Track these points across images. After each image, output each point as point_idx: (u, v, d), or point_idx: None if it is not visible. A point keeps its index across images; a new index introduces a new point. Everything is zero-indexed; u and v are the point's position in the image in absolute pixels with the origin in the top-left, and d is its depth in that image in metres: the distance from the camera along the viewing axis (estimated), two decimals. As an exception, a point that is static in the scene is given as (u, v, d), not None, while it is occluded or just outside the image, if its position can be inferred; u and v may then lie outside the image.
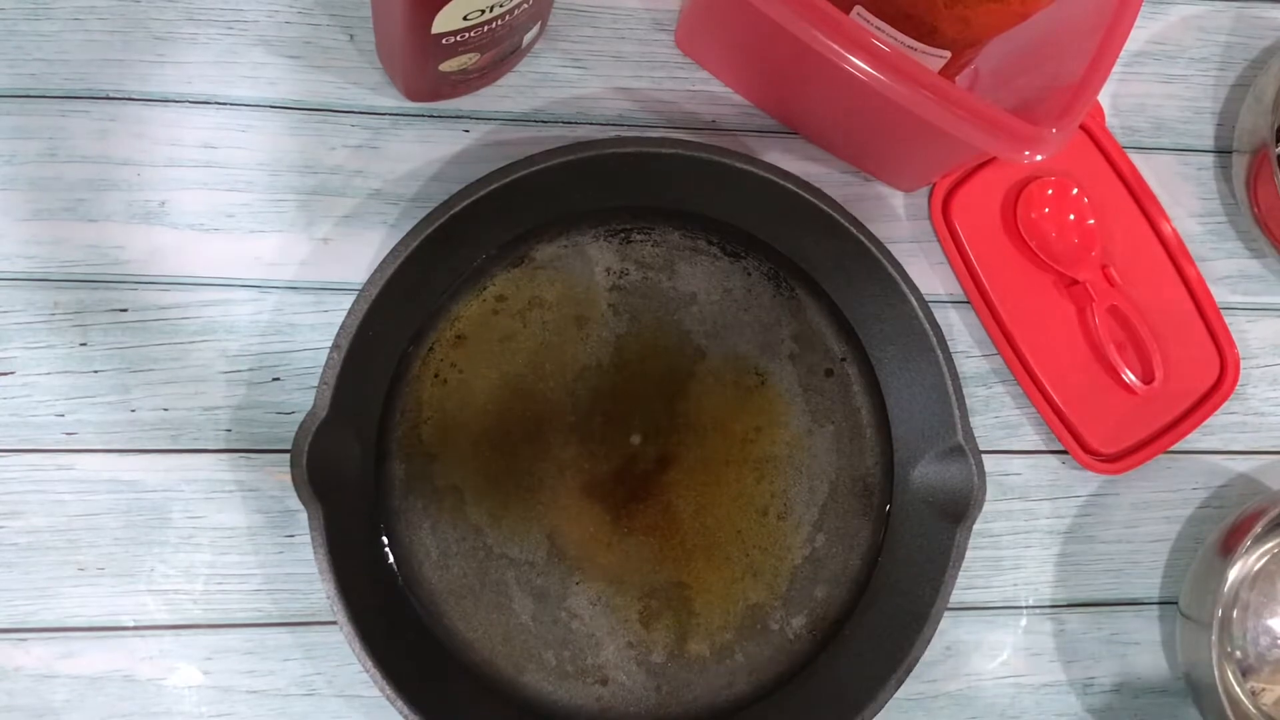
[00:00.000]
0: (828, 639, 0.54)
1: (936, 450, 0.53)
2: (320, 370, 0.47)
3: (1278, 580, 0.58)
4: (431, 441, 0.52)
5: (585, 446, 0.53)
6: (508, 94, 0.54)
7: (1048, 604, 0.58)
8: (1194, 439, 0.59)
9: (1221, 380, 0.59)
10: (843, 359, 0.56)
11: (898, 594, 0.53)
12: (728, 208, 0.54)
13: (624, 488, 0.53)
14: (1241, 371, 0.59)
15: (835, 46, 0.42)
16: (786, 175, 0.51)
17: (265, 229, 0.52)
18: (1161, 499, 0.59)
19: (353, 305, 0.48)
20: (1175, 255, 0.59)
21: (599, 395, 0.53)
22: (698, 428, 0.54)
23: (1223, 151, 0.62)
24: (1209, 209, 0.61)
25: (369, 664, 0.46)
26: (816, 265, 0.55)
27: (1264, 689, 0.58)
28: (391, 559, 0.51)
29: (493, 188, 0.49)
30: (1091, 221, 0.58)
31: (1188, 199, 0.61)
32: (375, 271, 0.48)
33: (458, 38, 0.45)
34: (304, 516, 0.46)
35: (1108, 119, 0.60)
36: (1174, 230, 0.59)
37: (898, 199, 0.58)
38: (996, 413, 0.58)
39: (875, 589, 0.54)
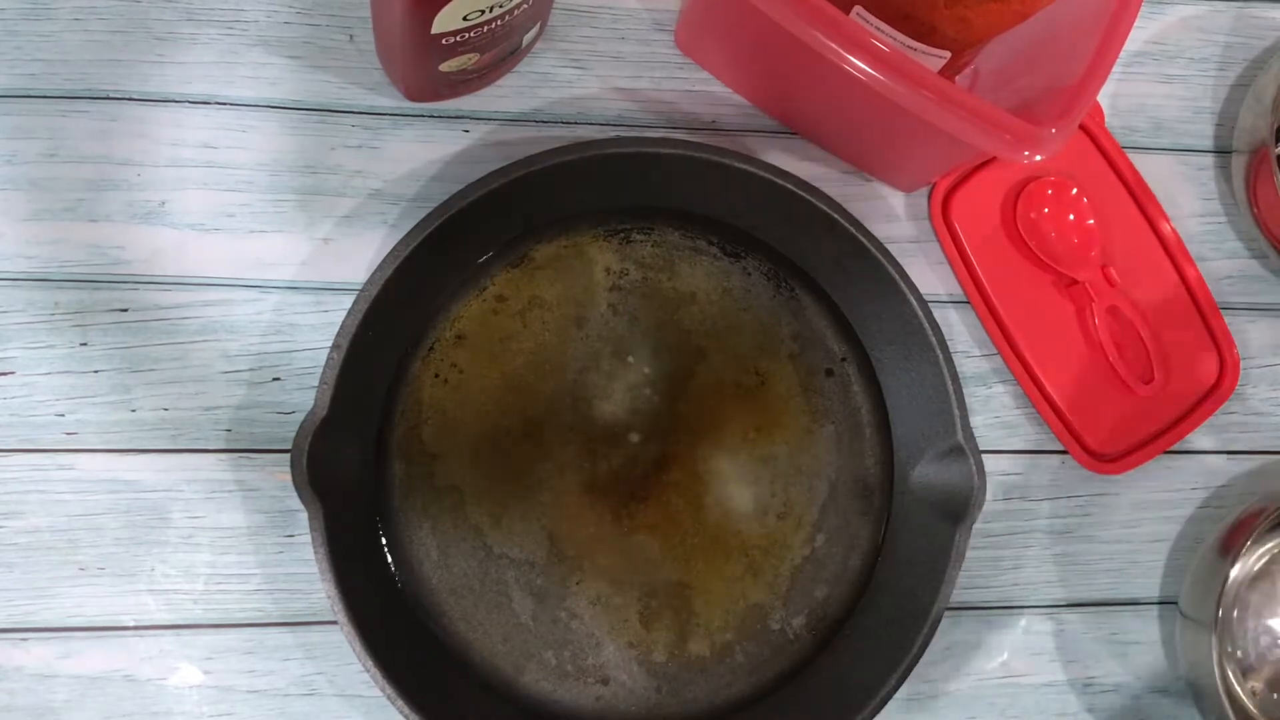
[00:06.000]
0: (828, 639, 0.54)
1: (936, 450, 0.53)
2: (320, 370, 0.47)
3: (1278, 580, 0.58)
4: (431, 441, 0.52)
5: (585, 446, 0.53)
6: (507, 94, 0.54)
7: (1048, 604, 0.58)
8: (1194, 439, 0.59)
9: (1221, 380, 0.59)
10: (843, 359, 0.56)
11: (898, 594, 0.53)
12: (728, 208, 0.54)
13: (624, 488, 0.53)
14: (1241, 371, 0.59)
15: (835, 46, 0.42)
16: (786, 175, 0.51)
17: (265, 229, 0.52)
18: (1161, 499, 0.59)
19: (353, 305, 0.48)
20: (1175, 255, 0.59)
21: (599, 395, 0.53)
22: (698, 428, 0.54)
23: (1222, 151, 0.62)
24: (1209, 209, 0.61)
25: (369, 664, 0.46)
26: (816, 265, 0.55)
27: (1264, 689, 0.58)
28: (391, 559, 0.51)
29: (493, 188, 0.49)
30: (1091, 221, 0.58)
31: (1187, 199, 0.61)
32: (375, 271, 0.48)
33: (458, 38, 0.45)
34: (304, 516, 0.47)
35: (1107, 119, 0.60)
36: (1174, 230, 0.59)
37: (898, 199, 0.58)
38: (996, 413, 0.58)
39: (875, 589, 0.54)
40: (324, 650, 0.51)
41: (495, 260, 0.53)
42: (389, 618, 0.50)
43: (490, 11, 0.44)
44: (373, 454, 0.51)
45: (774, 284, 0.56)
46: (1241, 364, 0.59)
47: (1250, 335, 0.61)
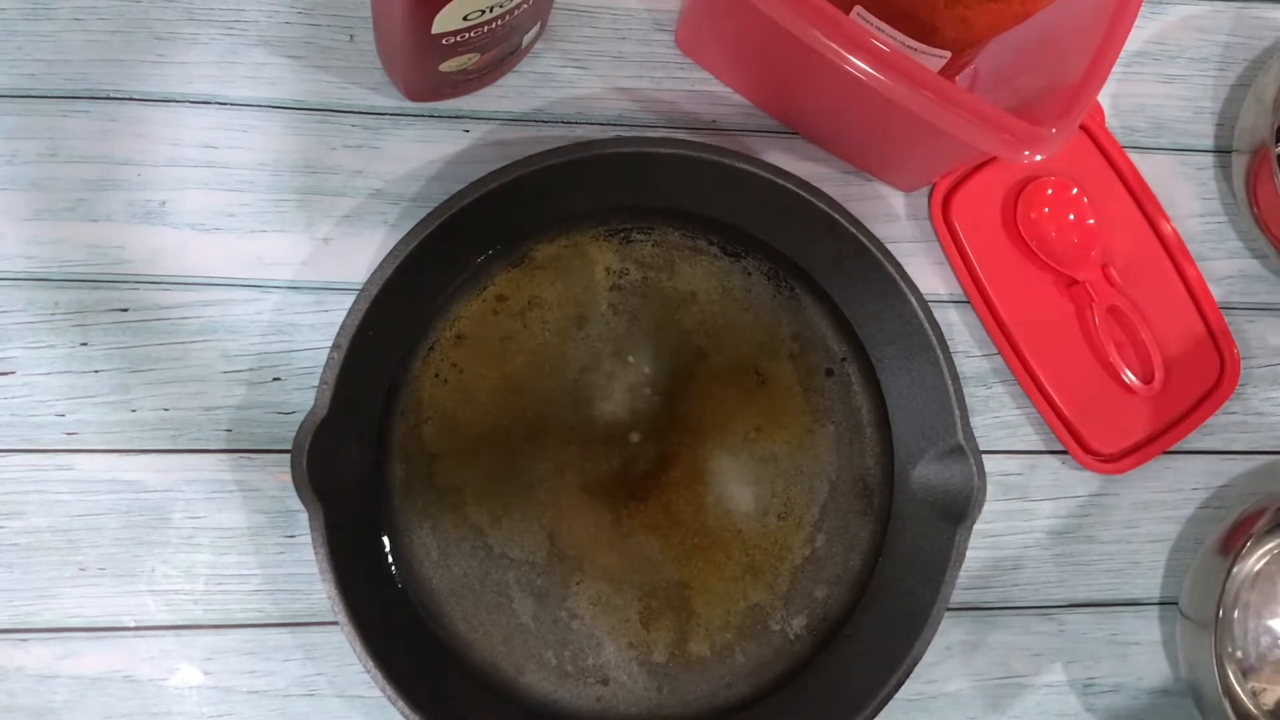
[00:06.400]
0: (828, 639, 0.54)
1: (936, 450, 0.53)
2: (320, 370, 0.47)
3: (1278, 580, 0.58)
4: (432, 441, 0.52)
5: (585, 446, 0.53)
6: (508, 94, 0.54)
7: (1048, 604, 0.58)
8: (1194, 439, 0.59)
9: (1221, 380, 0.59)
10: (843, 359, 0.56)
11: (898, 594, 0.53)
12: (728, 208, 0.54)
13: (624, 487, 0.53)
14: (1241, 371, 0.59)
15: (835, 46, 0.42)
16: (786, 175, 0.51)
17: (266, 229, 0.52)
18: (1161, 499, 0.59)
19: (353, 305, 0.48)
20: (1175, 255, 0.59)
21: (599, 395, 0.53)
22: (698, 428, 0.54)
23: (1222, 151, 0.62)
24: (1209, 209, 0.61)
25: (369, 664, 0.46)
26: (816, 265, 0.55)
27: (1264, 689, 0.58)
28: (392, 559, 0.51)
29: (493, 188, 0.49)
30: (1091, 221, 0.58)
31: (1188, 199, 0.61)
32: (375, 271, 0.48)
33: (458, 38, 0.45)
34: (304, 516, 0.47)
35: (1108, 119, 0.60)
36: (1174, 230, 0.59)
37: (898, 199, 0.58)
38: (996, 413, 0.58)
39: (875, 589, 0.54)
40: (324, 650, 0.51)
41: (495, 260, 0.53)
42: (389, 618, 0.50)
43: (490, 11, 0.44)
44: (373, 454, 0.51)
45: (774, 284, 0.56)
46: (1241, 364, 0.59)
47: (1250, 335, 0.61)
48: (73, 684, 0.49)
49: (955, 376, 0.52)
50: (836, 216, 0.52)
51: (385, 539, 0.51)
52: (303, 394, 0.52)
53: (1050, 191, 0.58)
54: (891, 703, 0.50)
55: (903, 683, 0.50)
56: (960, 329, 0.58)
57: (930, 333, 0.52)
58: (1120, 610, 0.59)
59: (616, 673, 0.53)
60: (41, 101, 0.51)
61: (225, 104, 0.52)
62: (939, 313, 0.54)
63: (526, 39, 0.51)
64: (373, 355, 0.49)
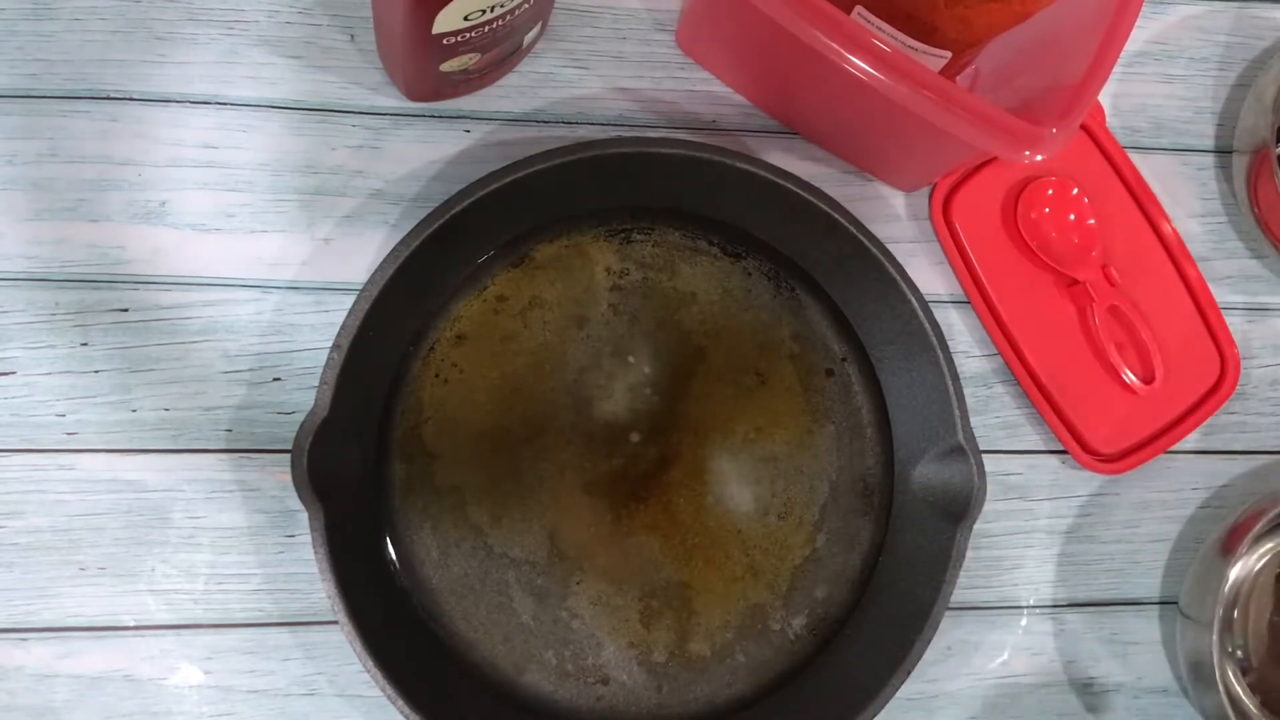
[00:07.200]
0: (828, 639, 0.54)
1: (937, 450, 0.53)
2: (321, 370, 0.47)
3: (1278, 580, 0.58)
4: (432, 441, 0.52)
5: (585, 446, 0.53)
6: (508, 94, 0.54)
7: (1048, 604, 0.58)
8: (1194, 439, 0.59)
9: (1221, 380, 0.59)
10: (843, 359, 0.56)
11: (898, 594, 0.53)
12: (728, 208, 0.54)
13: (624, 487, 0.53)
14: (1241, 371, 0.59)
15: (836, 46, 0.42)
16: (787, 175, 0.51)
17: (266, 229, 0.52)
18: (1161, 499, 0.59)
19: (353, 305, 0.48)
20: (1175, 255, 0.59)
21: (599, 395, 0.53)
22: (698, 428, 0.54)
23: (1223, 151, 0.62)
24: (1209, 209, 0.61)
25: (370, 664, 0.46)
26: (816, 265, 0.55)
27: (1264, 689, 0.57)
28: (392, 559, 0.51)
29: (493, 188, 0.49)
30: (1092, 221, 0.58)
31: (1188, 199, 0.61)
32: (376, 271, 0.48)
33: (458, 38, 0.45)
34: (304, 516, 0.47)
35: (1108, 119, 0.60)
36: (1174, 230, 0.59)
37: (898, 199, 0.58)
38: (996, 413, 0.58)
39: (875, 589, 0.54)
40: (324, 650, 0.51)
41: (496, 260, 0.53)
42: (389, 618, 0.50)
43: (491, 11, 0.44)
44: (373, 454, 0.51)
45: (774, 284, 0.56)
46: (1241, 364, 0.59)
47: (1250, 335, 0.61)
48: (73, 683, 0.49)
49: (955, 376, 0.52)
50: (836, 216, 0.52)
51: (386, 539, 0.51)
52: (303, 394, 0.52)
53: (1050, 191, 0.58)
54: (891, 702, 0.50)
55: (903, 683, 0.50)
56: (960, 329, 0.58)
57: (930, 333, 0.52)
58: (1120, 610, 0.59)
59: (616, 672, 0.53)
60: (41, 101, 0.51)
61: (225, 104, 0.52)
62: (939, 313, 0.55)
63: (527, 39, 0.51)
64: (373, 355, 0.49)
